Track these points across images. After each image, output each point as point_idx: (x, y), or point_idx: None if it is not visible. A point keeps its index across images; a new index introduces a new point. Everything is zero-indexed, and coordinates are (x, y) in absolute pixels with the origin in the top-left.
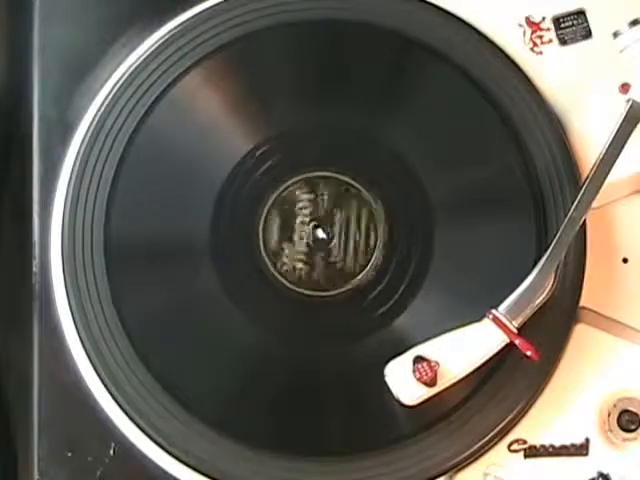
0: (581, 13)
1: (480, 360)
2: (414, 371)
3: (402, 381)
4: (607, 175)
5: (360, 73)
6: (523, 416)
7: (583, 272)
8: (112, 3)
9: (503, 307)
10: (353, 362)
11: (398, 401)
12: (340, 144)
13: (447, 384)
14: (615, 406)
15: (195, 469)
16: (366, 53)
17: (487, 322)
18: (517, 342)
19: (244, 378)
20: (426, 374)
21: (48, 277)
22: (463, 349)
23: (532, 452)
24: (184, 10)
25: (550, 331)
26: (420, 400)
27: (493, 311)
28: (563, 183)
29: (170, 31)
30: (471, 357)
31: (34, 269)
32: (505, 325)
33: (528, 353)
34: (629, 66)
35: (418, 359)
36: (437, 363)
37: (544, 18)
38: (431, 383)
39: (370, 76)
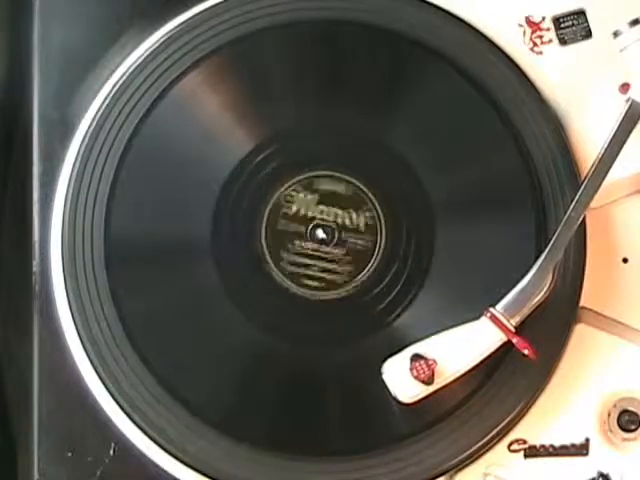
0: (581, 13)
1: (478, 358)
2: (411, 369)
3: (399, 379)
4: (606, 174)
5: (360, 73)
6: (523, 416)
7: (583, 272)
8: (112, 3)
9: (501, 305)
10: (353, 362)
11: (395, 399)
12: (340, 144)
13: (444, 382)
14: (615, 406)
15: (195, 469)
16: (366, 53)
17: (485, 320)
18: (514, 341)
19: (244, 378)
20: (423, 372)
21: (48, 277)
22: (461, 347)
23: (532, 452)
24: (184, 10)
25: (550, 331)
26: (417, 398)
27: (491, 309)
28: (563, 183)
29: (170, 31)
30: (469, 355)
31: (34, 269)
32: (503, 323)
33: (525, 352)
34: (629, 66)
35: (415, 357)
36: (434, 361)
37: (544, 18)
38: (428, 381)
39: (370, 76)
